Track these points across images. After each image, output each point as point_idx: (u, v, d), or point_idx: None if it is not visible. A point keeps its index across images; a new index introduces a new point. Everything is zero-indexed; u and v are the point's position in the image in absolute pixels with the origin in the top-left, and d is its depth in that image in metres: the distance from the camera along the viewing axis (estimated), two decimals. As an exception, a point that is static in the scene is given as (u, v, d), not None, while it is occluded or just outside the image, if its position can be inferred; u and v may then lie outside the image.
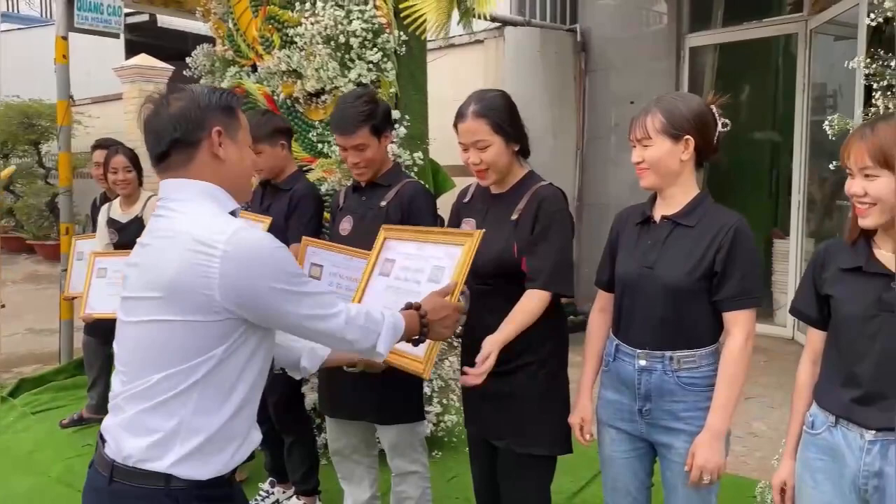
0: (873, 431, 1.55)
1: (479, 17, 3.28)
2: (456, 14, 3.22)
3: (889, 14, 2.19)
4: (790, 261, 5.71)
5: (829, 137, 2.55)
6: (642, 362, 1.88)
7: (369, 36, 3.17)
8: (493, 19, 6.15)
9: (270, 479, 3.12)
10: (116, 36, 5.07)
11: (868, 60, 2.39)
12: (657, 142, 1.83)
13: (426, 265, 1.98)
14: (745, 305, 1.82)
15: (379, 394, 2.31)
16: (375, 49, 3.18)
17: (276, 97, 3.54)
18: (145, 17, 9.62)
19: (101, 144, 4.18)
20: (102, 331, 3.85)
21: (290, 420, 2.95)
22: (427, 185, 3.22)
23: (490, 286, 2.08)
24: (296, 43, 3.34)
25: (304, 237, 2.57)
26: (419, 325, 1.68)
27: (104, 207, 3.93)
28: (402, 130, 3.26)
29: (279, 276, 1.38)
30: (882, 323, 1.54)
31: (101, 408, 4.12)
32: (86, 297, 3.61)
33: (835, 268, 1.65)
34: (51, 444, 3.86)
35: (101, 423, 1.49)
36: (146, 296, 1.40)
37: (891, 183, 1.50)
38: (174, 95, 1.48)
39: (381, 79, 3.23)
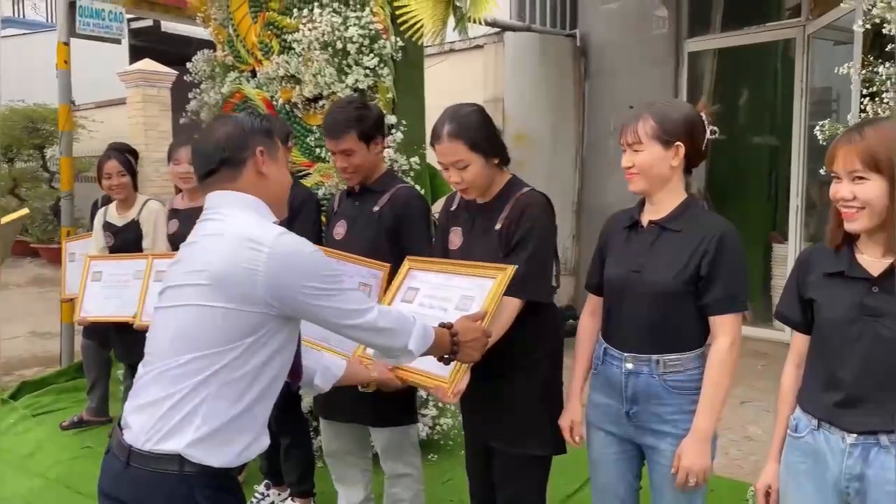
0: (855, 435, 1.56)
1: (475, 23, 3.31)
2: (452, 20, 3.25)
3: (877, 20, 2.21)
4: (789, 265, 5.71)
5: (821, 142, 2.57)
6: (629, 365, 1.90)
7: (366, 42, 3.20)
8: (493, 24, 6.19)
9: (266, 481, 3.14)
10: (118, 42, 5.12)
11: (858, 66, 2.41)
12: (648, 147, 1.85)
13: (454, 294, 2.00)
14: (731, 309, 1.84)
15: (372, 397, 2.32)
16: (372, 55, 3.21)
17: (275, 102, 3.58)
18: (149, 23, 9.64)
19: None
20: (101, 334, 3.88)
21: (287, 422, 2.96)
22: (424, 190, 3.25)
23: None
24: (294, 49, 3.37)
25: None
26: (450, 344, 1.75)
27: (101, 211, 3.94)
28: (398, 135, 3.28)
29: (316, 275, 1.52)
30: (864, 327, 1.55)
31: (100, 410, 4.15)
32: (81, 301, 3.61)
33: (818, 272, 1.66)
34: (51, 446, 3.88)
35: (124, 408, 1.58)
36: (192, 283, 1.51)
37: (880, 186, 1.50)
38: (219, 122, 1.69)
39: (378, 84, 3.26)
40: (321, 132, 3.37)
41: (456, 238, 2.21)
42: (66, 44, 4.79)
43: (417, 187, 3.03)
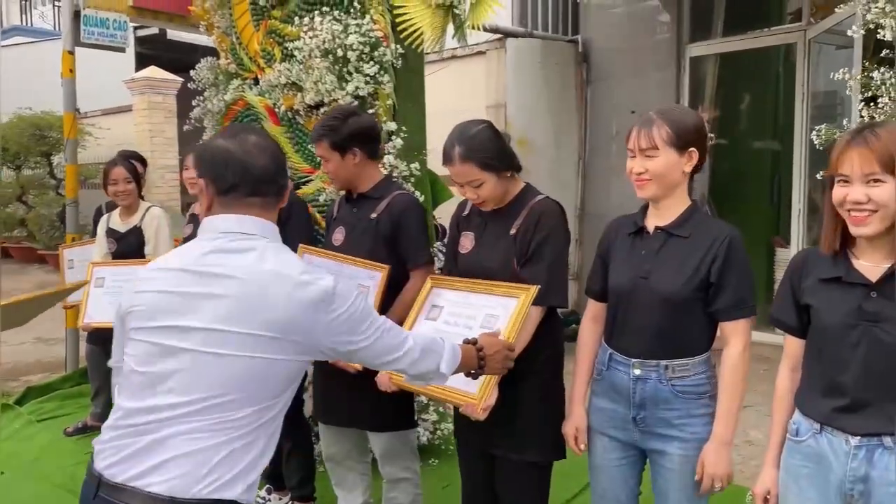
0: (858, 437, 1.55)
1: (474, 29, 3.33)
2: (451, 28, 3.26)
3: (871, 25, 2.22)
4: (792, 269, 5.70)
5: (818, 147, 2.58)
6: (637, 371, 1.90)
7: (366, 49, 3.22)
8: (495, 31, 6.21)
9: (267, 485, 3.15)
10: (122, 50, 5.15)
11: (859, 71, 2.42)
12: (664, 153, 1.83)
13: (478, 313, 2.03)
14: (742, 315, 1.85)
15: (371, 401, 2.34)
16: (372, 62, 3.23)
17: (277, 109, 3.61)
18: (155, 31, 9.74)
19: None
20: (105, 340, 3.90)
21: (288, 426, 2.96)
22: (424, 196, 3.26)
23: None
24: (295, 56, 3.40)
25: (300, 245, 2.62)
26: (476, 359, 1.77)
27: (104, 217, 3.99)
28: (398, 142, 3.30)
29: (365, 324, 1.52)
30: (863, 332, 1.55)
31: (104, 416, 4.10)
32: (84, 307, 3.65)
33: (813, 277, 1.65)
34: (55, 451, 3.90)
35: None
36: (243, 331, 1.40)
37: (895, 189, 1.48)
38: (264, 138, 1.60)
39: (379, 91, 3.28)
40: (322, 139, 3.41)
41: (467, 242, 2.23)
42: (72, 53, 4.82)
43: (417, 193, 3.06)
